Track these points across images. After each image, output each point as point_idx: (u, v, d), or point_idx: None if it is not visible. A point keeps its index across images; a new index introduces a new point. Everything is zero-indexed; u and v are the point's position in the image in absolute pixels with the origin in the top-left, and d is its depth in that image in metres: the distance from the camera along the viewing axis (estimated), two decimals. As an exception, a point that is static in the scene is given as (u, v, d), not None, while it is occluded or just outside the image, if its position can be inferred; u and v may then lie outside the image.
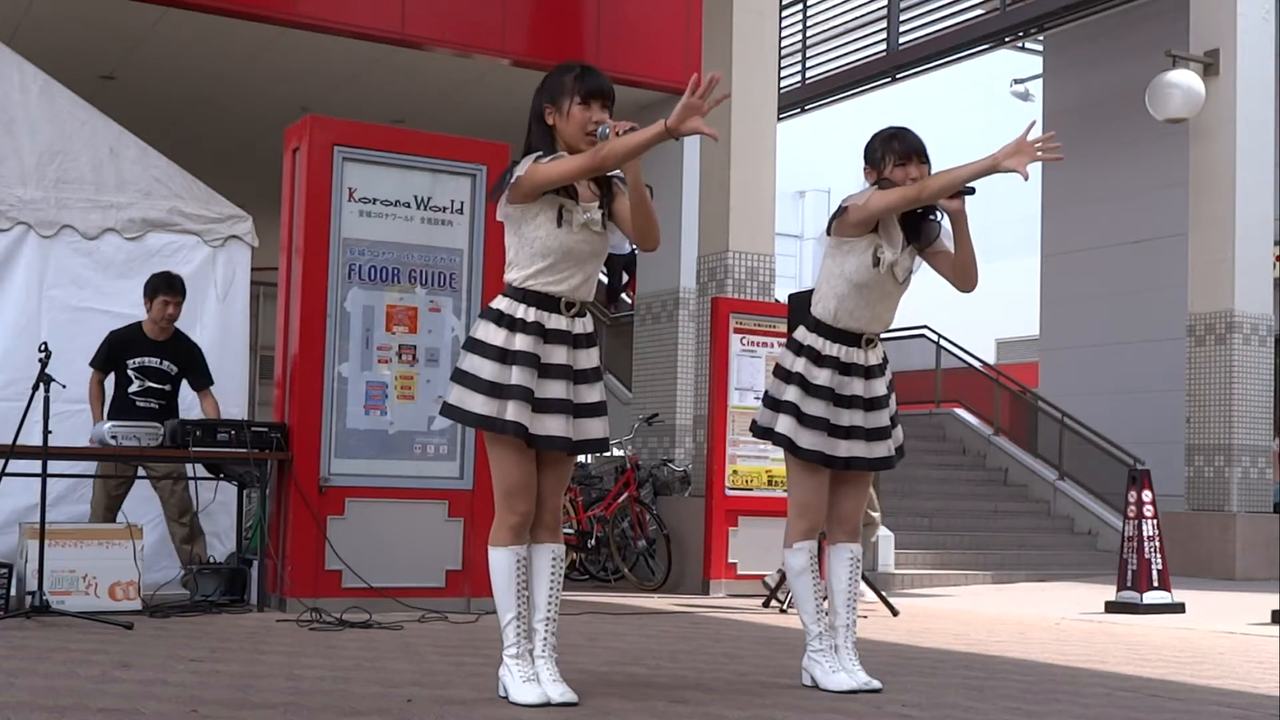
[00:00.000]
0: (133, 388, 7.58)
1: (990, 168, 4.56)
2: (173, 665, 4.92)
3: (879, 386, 4.78)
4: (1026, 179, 4.51)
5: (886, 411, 4.79)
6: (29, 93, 8.08)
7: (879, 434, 4.77)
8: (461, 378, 4.20)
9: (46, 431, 6.43)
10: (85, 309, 8.00)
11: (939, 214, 4.85)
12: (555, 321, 4.20)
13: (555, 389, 4.17)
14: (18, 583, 6.75)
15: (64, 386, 6.57)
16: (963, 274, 4.77)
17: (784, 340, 9.20)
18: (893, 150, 4.78)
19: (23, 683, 4.38)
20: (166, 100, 13.86)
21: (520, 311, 4.18)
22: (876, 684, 4.71)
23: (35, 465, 6.68)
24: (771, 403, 4.78)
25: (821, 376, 4.70)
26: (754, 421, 4.92)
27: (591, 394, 4.29)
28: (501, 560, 4.21)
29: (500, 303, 4.23)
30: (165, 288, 7.59)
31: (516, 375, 4.12)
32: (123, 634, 5.86)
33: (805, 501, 4.78)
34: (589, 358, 4.29)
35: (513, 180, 4.15)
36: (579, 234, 4.20)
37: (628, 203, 4.21)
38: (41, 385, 6.39)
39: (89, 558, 6.80)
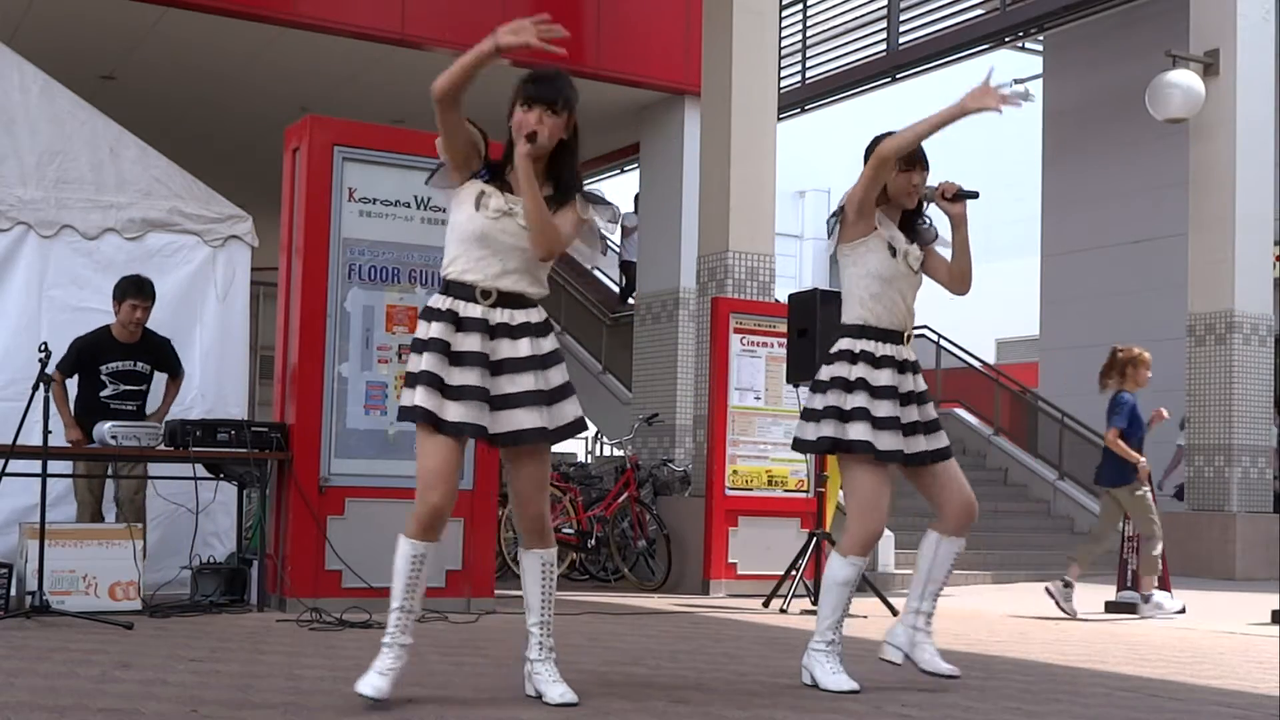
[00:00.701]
0: (106, 391, 7.52)
1: (959, 113, 4.61)
2: (173, 665, 4.92)
3: (921, 381, 4.86)
4: (1000, 113, 4.54)
5: (930, 406, 4.87)
6: (29, 93, 8.08)
7: (934, 426, 4.84)
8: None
9: (46, 431, 6.43)
10: (85, 309, 7.99)
11: (929, 218, 4.91)
12: (470, 310, 4.16)
13: (466, 376, 4.11)
14: (18, 583, 6.75)
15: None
16: (959, 277, 4.88)
17: (783, 340, 9.24)
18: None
19: (23, 683, 4.38)
20: (166, 100, 13.87)
21: (437, 302, 4.21)
22: (955, 671, 4.83)
23: (35, 465, 6.68)
24: (835, 413, 4.73)
25: (883, 377, 4.74)
26: (799, 439, 4.87)
27: (514, 384, 4.15)
28: (403, 551, 4.17)
29: (432, 299, 4.27)
30: (134, 291, 7.53)
31: (425, 362, 4.13)
32: (123, 634, 5.87)
33: (870, 504, 4.76)
34: (513, 347, 4.17)
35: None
36: (497, 221, 4.18)
37: (575, 208, 4.26)
38: (41, 385, 6.39)
39: (89, 558, 6.80)
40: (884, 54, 16.75)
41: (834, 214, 4.91)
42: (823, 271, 30.00)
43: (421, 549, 4.17)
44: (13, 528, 7.25)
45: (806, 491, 9.61)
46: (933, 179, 4.96)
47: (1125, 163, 16.48)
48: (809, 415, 4.83)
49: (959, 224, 4.83)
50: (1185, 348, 13.17)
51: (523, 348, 4.18)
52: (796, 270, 29.42)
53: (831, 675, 4.73)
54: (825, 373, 4.81)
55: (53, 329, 7.68)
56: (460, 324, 4.15)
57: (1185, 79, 12.87)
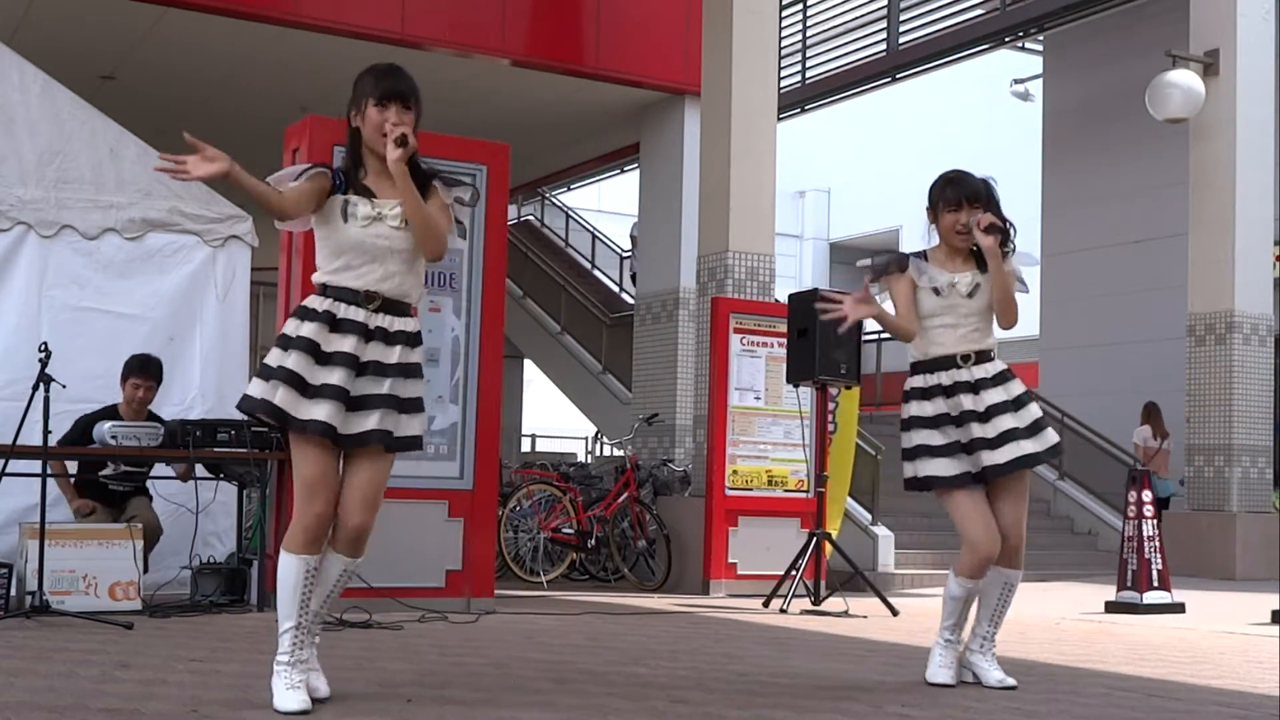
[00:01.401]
0: (105, 470, 7.52)
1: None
2: (173, 665, 4.92)
3: (991, 396, 4.85)
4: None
5: (1007, 417, 4.83)
6: (29, 93, 8.08)
7: (1003, 439, 4.82)
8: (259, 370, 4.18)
9: (46, 431, 6.43)
10: (85, 309, 8.00)
11: (1013, 244, 4.95)
12: (350, 313, 4.11)
13: (329, 376, 4.05)
14: (18, 583, 6.75)
15: (64, 386, 6.56)
16: (1001, 310, 4.93)
17: (783, 340, 9.26)
18: (945, 197, 4.96)
19: (23, 683, 4.38)
20: (166, 100, 13.87)
21: (314, 302, 4.15)
22: (1012, 681, 4.93)
23: (35, 465, 6.68)
24: (906, 455, 4.93)
25: (930, 408, 4.88)
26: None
27: (373, 387, 4.09)
28: (289, 567, 4.08)
29: (308, 299, 4.20)
30: (138, 371, 7.53)
31: (291, 361, 4.06)
32: (123, 634, 5.87)
33: (972, 535, 4.83)
34: (383, 352, 4.11)
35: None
36: (369, 227, 4.13)
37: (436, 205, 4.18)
38: (41, 385, 6.39)
39: (89, 558, 6.80)
40: (884, 54, 16.74)
41: (887, 263, 5.03)
42: (823, 271, 30.01)
43: (314, 561, 4.11)
44: (13, 528, 7.25)
45: (806, 491, 9.61)
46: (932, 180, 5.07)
47: (1125, 163, 16.47)
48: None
49: (990, 256, 4.84)
50: (1185, 348, 13.17)
51: (393, 355, 4.13)
52: (796, 270, 29.42)
53: (933, 666, 4.97)
54: (902, 413, 4.99)
55: (53, 329, 7.68)
56: (336, 325, 4.10)
57: (1185, 79, 12.87)
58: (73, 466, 7.56)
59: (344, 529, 4.15)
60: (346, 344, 4.07)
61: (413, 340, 4.19)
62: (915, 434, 4.88)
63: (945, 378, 4.88)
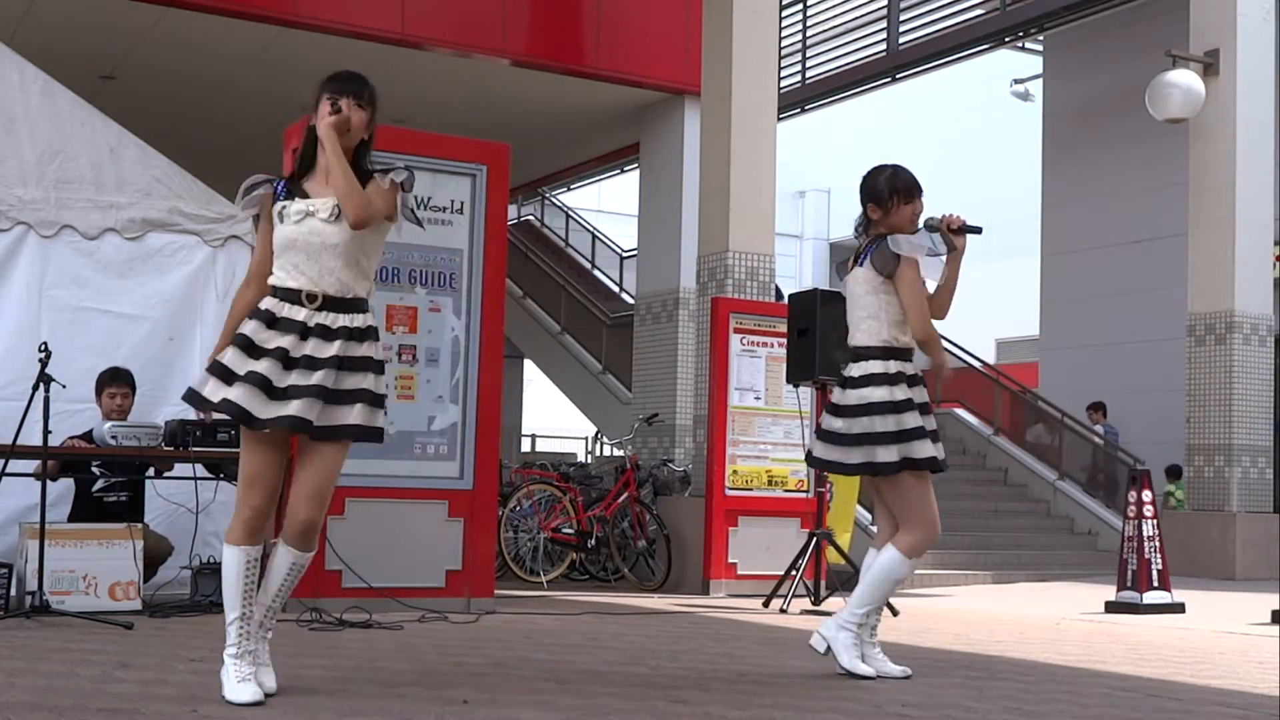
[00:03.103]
0: (98, 486, 7.53)
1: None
2: (173, 665, 4.92)
3: (924, 391, 5.13)
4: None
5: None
6: (29, 93, 8.08)
7: (937, 435, 5.10)
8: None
9: (46, 431, 6.43)
10: (85, 309, 7.99)
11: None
12: (289, 311, 4.17)
13: (255, 365, 4.11)
14: (18, 583, 6.75)
15: (64, 386, 6.55)
16: (939, 306, 5.14)
17: (783, 340, 9.24)
18: (898, 190, 5.06)
19: (23, 683, 4.38)
20: (166, 100, 13.87)
21: (263, 303, 4.23)
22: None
23: (35, 465, 6.68)
24: (891, 437, 4.95)
25: (914, 394, 5.03)
26: (874, 463, 5.03)
27: (301, 379, 4.11)
28: (231, 559, 4.17)
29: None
30: (110, 381, 7.52)
31: (226, 356, 4.16)
32: (123, 634, 5.86)
33: (933, 516, 5.05)
34: (318, 347, 4.15)
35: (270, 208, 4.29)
36: (301, 223, 4.21)
37: (379, 186, 4.27)
38: (41, 385, 6.39)
39: (89, 558, 6.80)
40: (884, 54, 16.75)
41: (891, 258, 5.03)
42: (823, 271, 29.99)
43: (255, 552, 4.19)
44: (13, 528, 7.24)
45: (806, 491, 9.61)
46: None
47: (1125, 163, 16.48)
48: (874, 439, 4.97)
49: (955, 258, 5.06)
50: (1185, 348, 13.17)
51: (329, 349, 4.16)
52: (796, 270, 29.40)
53: (852, 657, 5.00)
54: (861, 396, 4.99)
55: (53, 329, 7.68)
56: (274, 323, 4.16)
57: (1185, 79, 12.87)
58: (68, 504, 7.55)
59: (292, 522, 4.23)
60: (282, 340, 4.15)
61: (358, 335, 4.22)
62: (907, 416, 4.97)
63: (906, 368, 5.06)
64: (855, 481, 10.25)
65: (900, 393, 4.99)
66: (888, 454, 4.96)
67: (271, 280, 4.23)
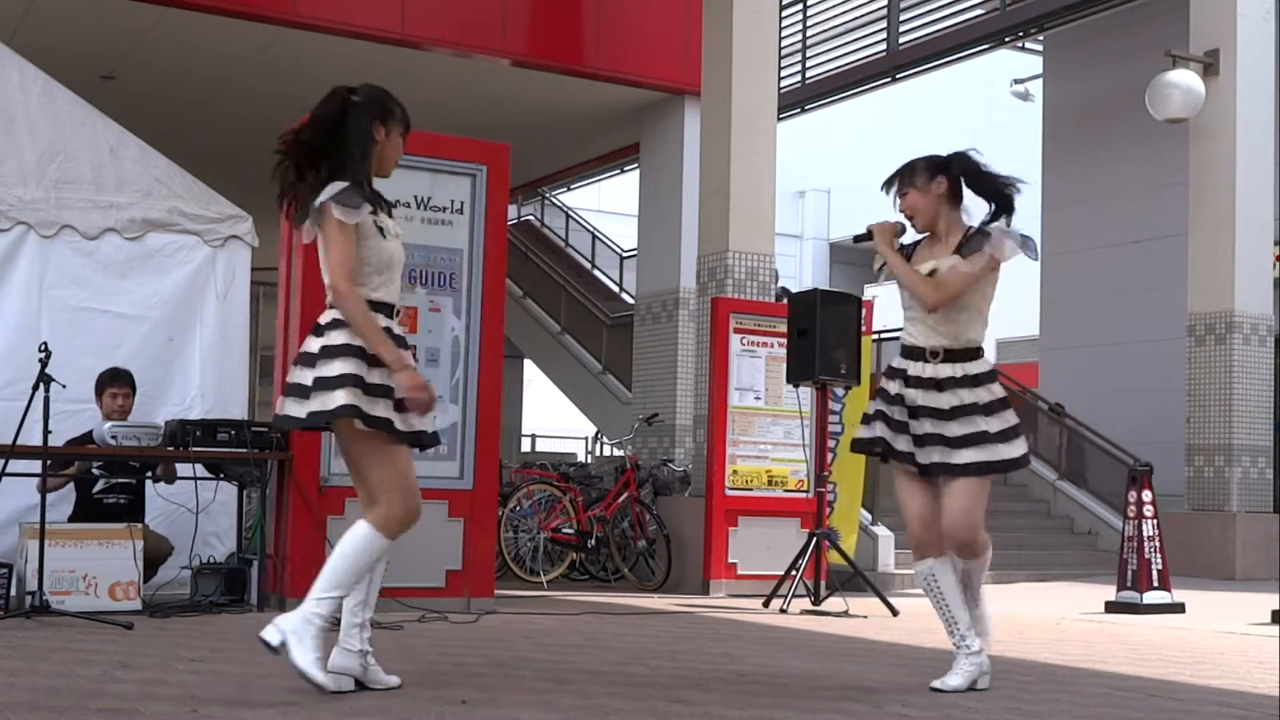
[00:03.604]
0: (98, 487, 7.53)
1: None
2: (173, 665, 4.92)
3: (947, 400, 4.85)
4: None
5: (958, 424, 4.84)
6: (29, 93, 8.08)
7: (961, 442, 4.84)
8: None
9: (46, 431, 6.43)
10: (85, 309, 8.00)
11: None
12: (386, 324, 4.43)
13: (383, 378, 4.42)
14: (18, 583, 6.75)
15: (64, 386, 6.56)
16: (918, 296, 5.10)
17: (783, 340, 9.28)
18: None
19: (23, 683, 4.38)
20: (166, 100, 13.87)
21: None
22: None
23: (35, 465, 6.68)
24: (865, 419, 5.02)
25: (893, 386, 4.94)
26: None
27: (299, 376, 4.32)
28: (376, 545, 4.33)
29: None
30: (111, 381, 7.54)
31: (376, 375, 4.44)
32: (123, 634, 5.86)
33: (906, 513, 5.09)
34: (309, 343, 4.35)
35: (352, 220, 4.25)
36: (396, 242, 4.40)
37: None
38: (41, 385, 6.39)
39: (89, 558, 6.80)
40: (884, 54, 16.74)
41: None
42: (823, 271, 29.99)
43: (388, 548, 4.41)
44: (13, 528, 7.25)
45: (806, 491, 9.61)
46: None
47: (1125, 163, 16.47)
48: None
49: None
50: (1185, 348, 13.17)
51: (314, 345, 4.31)
52: (796, 270, 29.39)
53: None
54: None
55: (53, 329, 7.68)
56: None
57: (1185, 79, 12.86)
58: (69, 504, 7.54)
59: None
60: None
61: (323, 326, 4.36)
62: (872, 403, 5.00)
63: (911, 368, 4.94)
64: (859, 482, 10.27)
65: (882, 381, 5.00)
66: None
67: (376, 294, 4.31)
